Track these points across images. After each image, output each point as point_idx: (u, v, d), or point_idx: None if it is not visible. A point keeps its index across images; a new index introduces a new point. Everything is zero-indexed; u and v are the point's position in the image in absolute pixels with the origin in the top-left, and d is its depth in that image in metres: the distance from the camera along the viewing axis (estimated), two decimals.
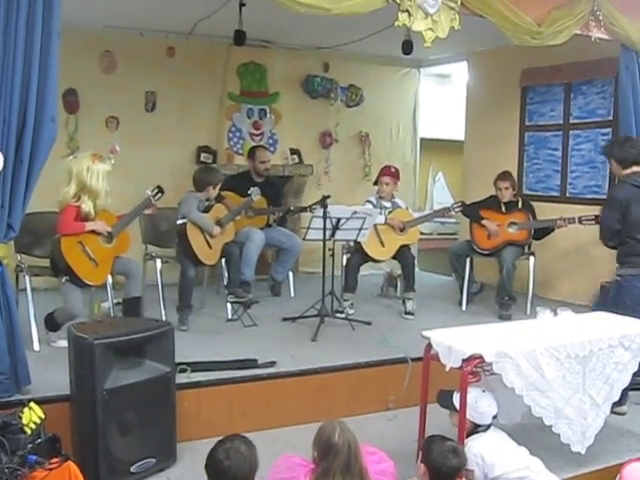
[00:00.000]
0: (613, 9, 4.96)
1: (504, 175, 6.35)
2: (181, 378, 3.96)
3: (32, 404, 2.94)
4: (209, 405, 4.08)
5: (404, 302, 6.04)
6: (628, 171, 4.62)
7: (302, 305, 5.61)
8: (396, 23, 4.21)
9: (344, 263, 6.15)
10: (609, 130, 6.43)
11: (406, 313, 5.94)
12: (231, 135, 7.30)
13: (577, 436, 3.61)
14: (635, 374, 3.83)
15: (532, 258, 6.28)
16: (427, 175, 12.41)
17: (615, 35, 5.08)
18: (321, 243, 5.42)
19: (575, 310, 4.23)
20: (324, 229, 5.34)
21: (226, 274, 5.72)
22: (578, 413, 3.59)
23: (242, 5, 5.05)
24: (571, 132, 6.85)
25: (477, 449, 3.24)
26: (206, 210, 5.56)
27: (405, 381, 4.32)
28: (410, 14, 4.19)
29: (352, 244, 6.07)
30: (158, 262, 5.64)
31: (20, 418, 2.82)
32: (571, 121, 6.84)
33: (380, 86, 8.27)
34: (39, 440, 2.78)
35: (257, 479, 2.66)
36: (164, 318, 5.22)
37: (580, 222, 5.83)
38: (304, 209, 6.28)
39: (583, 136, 6.74)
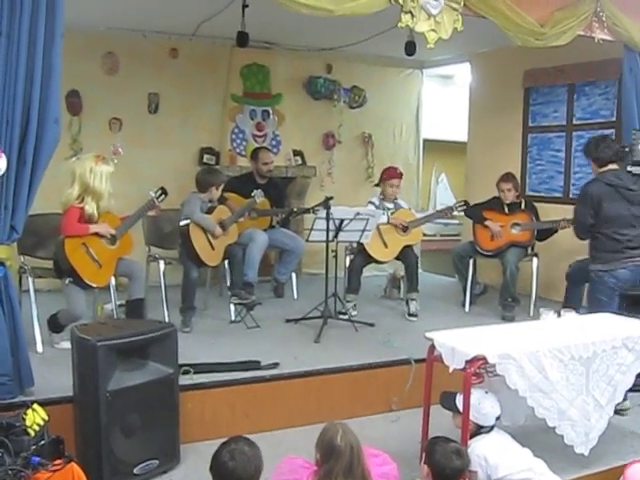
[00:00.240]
0: (616, 10, 4.96)
1: (507, 176, 6.36)
2: (184, 380, 3.96)
3: (35, 406, 2.94)
4: (212, 407, 4.08)
5: (407, 303, 6.03)
6: (604, 169, 4.81)
7: (305, 306, 5.61)
8: (399, 24, 4.22)
9: (347, 264, 6.16)
10: (612, 131, 6.40)
11: (409, 314, 5.94)
12: (234, 136, 7.30)
13: (580, 437, 3.60)
14: (638, 375, 3.83)
15: (535, 259, 6.27)
16: (430, 176, 12.39)
17: (618, 36, 5.08)
18: (324, 244, 5.42)
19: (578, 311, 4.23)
20: (327, 230, 5.34)
21: (229, 276, 5.73)
22: (581, 414, 3.59)
23: (245, 6, 5.04)
24: (574, 133, 6.85)
25: (480, 450, 3.24)
26: (209, 211, 5.56)
27: (408, 382, 4.33)
28: (413, 15, 4.19)
29: (355, 245, 6.07)
30: (161, 263, 5.64)
31: (23, 420, 2.82)
32: (574, 122, 6.83)
33: (383, 87, 8.26)
34: (42, 442, 2.78)
35: None
36: (167, 320, 5.23)
37: None
38: (307, 210, 6.29)
39: (586, 137, 6.64)
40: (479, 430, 3.36)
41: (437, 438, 3.07)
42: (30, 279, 4.89)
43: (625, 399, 4.23)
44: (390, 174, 6.21)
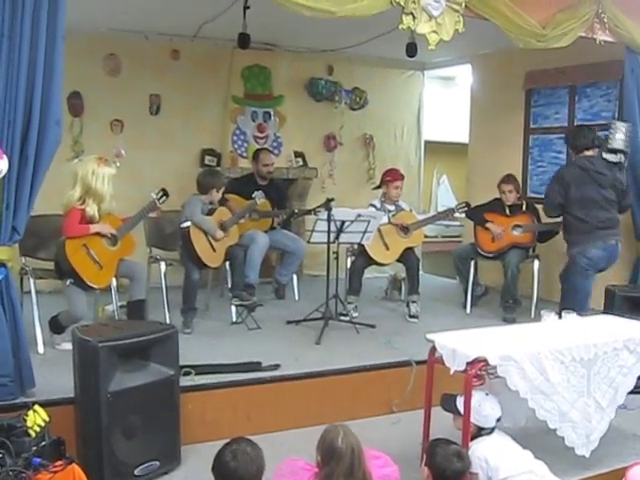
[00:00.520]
0: (618, 11, 4.97)
1: (508, 178, 6.36)
2: (185, 381, 3.96)
3: (36, 407, 2.95)
4: (213, 408, 4.08)
5: (408, 305, 6.02)
6: (580, 155, 5.38)
7: (306, 308, 5.60)
8: (400, 26, 4.22)
9: (348, 266, 6.15)
10: None
11: (410, 316, 5.93)
12: (235, 138, 7.31)
13: (582, 439, 3.60)
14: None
15: (536, 261, 6.27)
16: (431, 178, 12.41)
17: (620, 38, 5.08)
18: (325, 246, 5.42)
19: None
20: (328, 232, 5.34)
21: (230, 277, 5.72)
22: (583, 416, 3.58)
23: (246, 8, 5.04)
24: None
25: (481, 452, 3.23)
26: (210, 213, 5.56)
27: (409, 384, 4.33)
28: (414, 17, 4.20)
29: (356, 247, 6.07)
30: (162, 265, 5.64)
31: (25, 421, 2.83)
32: (576, 124, 6.82)
33: (384, 89, 8.27)
34: (43, 443, 2.79)
35: None
36: (168, 321, 5.22)
37: None
38: (308, 212, 6.28)
39: None
40: (480, 432, 3.35)
41: (438, 440, 3.08)
42: (31, 280, 4.89)
43: None
44: (393, 176, 6.20)
